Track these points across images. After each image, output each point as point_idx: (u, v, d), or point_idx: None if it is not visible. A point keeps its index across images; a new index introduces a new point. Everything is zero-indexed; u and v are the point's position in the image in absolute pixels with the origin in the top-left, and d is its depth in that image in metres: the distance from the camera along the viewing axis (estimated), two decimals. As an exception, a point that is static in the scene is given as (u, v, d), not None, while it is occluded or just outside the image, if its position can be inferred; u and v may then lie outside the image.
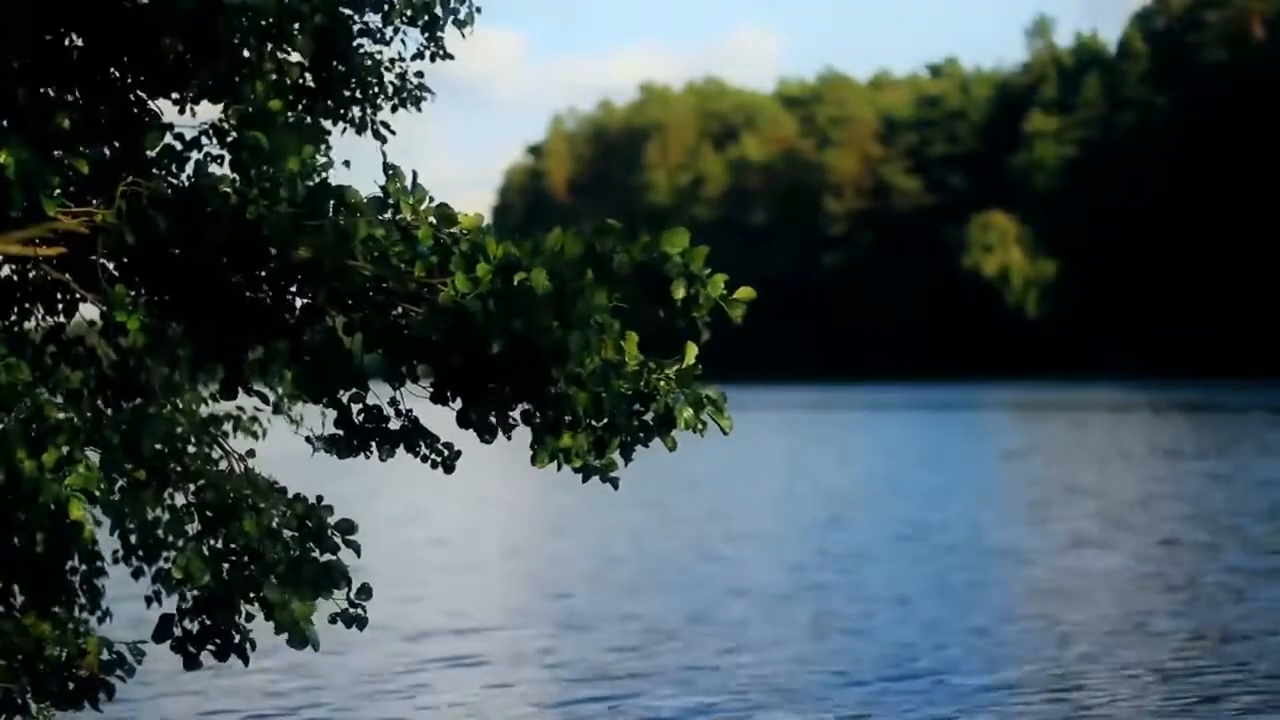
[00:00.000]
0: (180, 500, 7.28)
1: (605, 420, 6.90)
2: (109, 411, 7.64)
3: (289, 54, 7.89)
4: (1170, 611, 19.17)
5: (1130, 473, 39.92)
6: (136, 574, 7.51)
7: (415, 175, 7.16)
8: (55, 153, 7.39)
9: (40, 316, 8.34)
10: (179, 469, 7.27)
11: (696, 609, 20.03)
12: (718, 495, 36.26)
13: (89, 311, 7.89)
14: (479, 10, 8.61)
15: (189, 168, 7.54)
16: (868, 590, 21.42)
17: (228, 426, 9.31)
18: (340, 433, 7.64)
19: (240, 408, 9.49)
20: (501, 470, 27.78)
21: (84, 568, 7.72)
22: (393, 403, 7.59)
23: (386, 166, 7.19)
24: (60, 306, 8.39)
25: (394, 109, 8.64)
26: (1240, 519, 28.92)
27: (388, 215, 7.05)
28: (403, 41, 8.57)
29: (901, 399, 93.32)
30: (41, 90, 7.81)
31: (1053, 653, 16.64)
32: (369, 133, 8.58)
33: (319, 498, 7.54)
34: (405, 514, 31.85)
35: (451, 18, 8.51)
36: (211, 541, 7.24)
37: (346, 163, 8.24)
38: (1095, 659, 16.28)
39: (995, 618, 18.95)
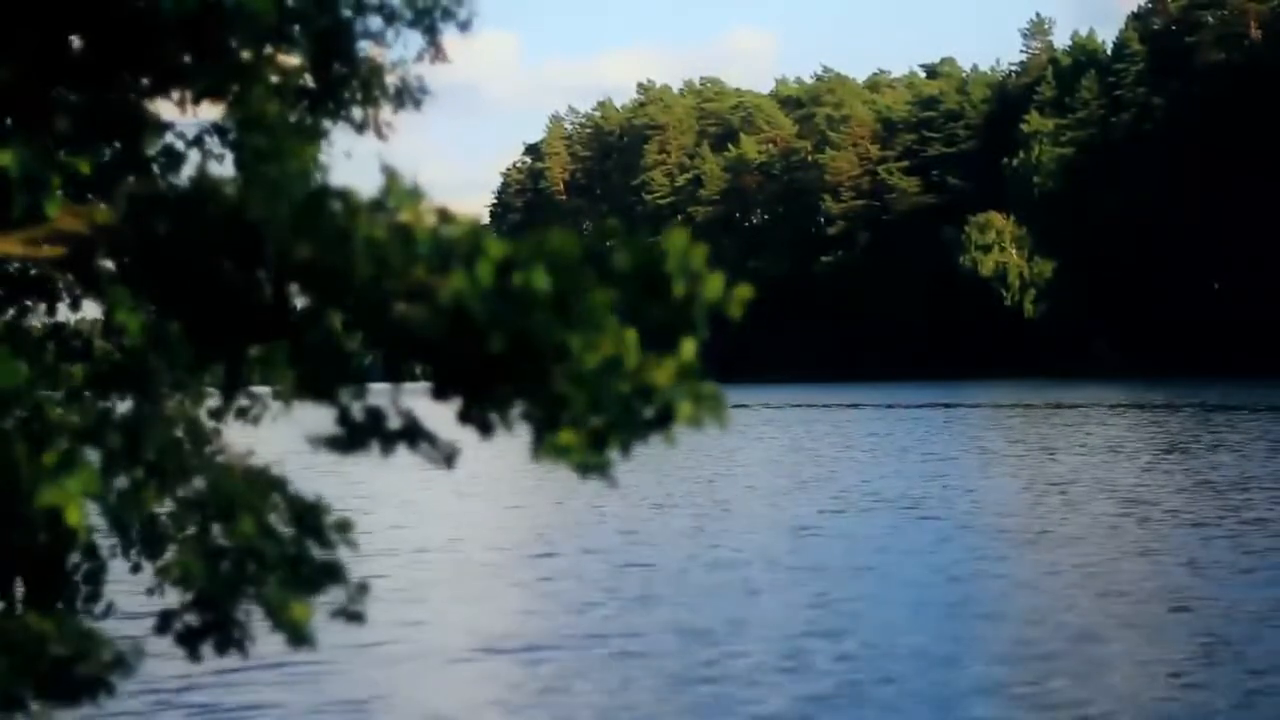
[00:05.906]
0: (180, 496, 7.32)
1: (605, 418, 6.94)
2: (111, 408, 7.66)
3: (290, 56, 7.92)
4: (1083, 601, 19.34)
5: (1103, 468, 40.28)
6: (135, 569, 7.56)
7: (415, 177, 7.19)
8: (56, 153, 7.42)
9: (42, 316, 8.37)
10: (178, 465, 7.30)
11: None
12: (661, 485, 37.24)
13: (90, 310, 7.93)
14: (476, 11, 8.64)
15: (190, 168, 7.57)
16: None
17: (229, 419, 9.32)
18: (340, 430, 7.67)
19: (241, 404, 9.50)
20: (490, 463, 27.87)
21: (86, 566, 7.74)
22: (392, 401, 7.63)
23: (384, 168, 7.20)
24: (61, 306, 8.41)
25: (394, 110, 8.67)
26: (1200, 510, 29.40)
27: (386, 216, 7.08)
28: (403, 45, 8.59)
29: (898, 397, 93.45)
30: (42, 90, 7.84)
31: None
32: (369, 132, 8.61)
33: (317, 495, 7.59)
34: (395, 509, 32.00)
35: (452, 21, 8.54)
36: (210, 540, 7.28)
37: (347, 153, 8.27)
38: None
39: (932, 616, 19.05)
